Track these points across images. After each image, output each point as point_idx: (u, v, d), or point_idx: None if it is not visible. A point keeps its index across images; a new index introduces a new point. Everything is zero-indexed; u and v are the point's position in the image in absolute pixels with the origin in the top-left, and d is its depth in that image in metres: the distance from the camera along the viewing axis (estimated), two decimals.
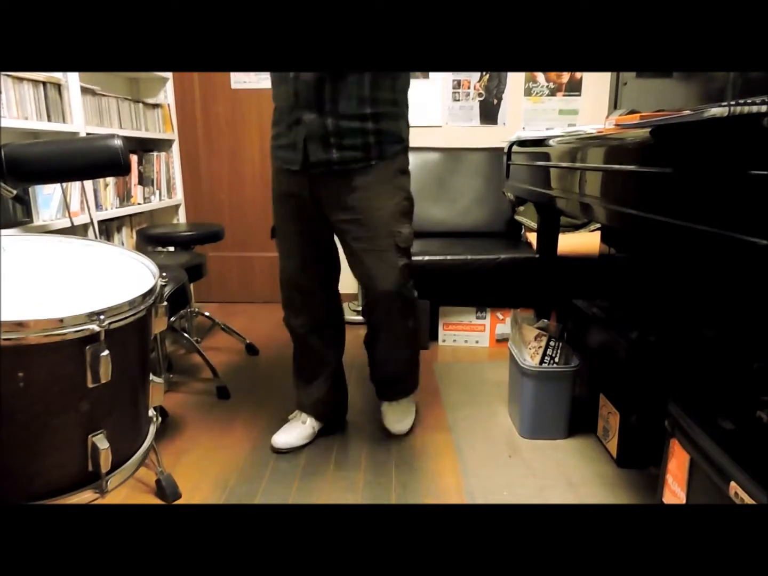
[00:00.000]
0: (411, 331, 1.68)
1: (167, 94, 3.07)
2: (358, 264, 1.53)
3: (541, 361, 1.70)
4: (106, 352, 0.90)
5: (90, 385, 0.90)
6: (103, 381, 0.91)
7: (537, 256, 2.26)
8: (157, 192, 2.98)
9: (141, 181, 2.80)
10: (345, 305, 3.12)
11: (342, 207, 1.46)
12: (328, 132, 1.39)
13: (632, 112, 1.38)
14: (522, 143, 1.94)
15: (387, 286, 1.51)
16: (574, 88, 3.06)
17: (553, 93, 3.07)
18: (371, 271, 1.50)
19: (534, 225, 2.60)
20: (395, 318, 1.60)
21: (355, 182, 1.44)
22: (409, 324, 1.65)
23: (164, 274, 1.14)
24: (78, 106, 2.17)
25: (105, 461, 0.93)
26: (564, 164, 1.45)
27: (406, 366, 1.77)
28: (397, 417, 1.79)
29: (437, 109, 3.07)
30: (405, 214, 1.52)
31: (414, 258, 2.41)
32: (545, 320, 1.87)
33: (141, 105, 2.85)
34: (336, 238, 1.61)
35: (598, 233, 2.25)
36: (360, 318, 2.89)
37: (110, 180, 2.48)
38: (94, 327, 0.88)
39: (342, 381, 1.81)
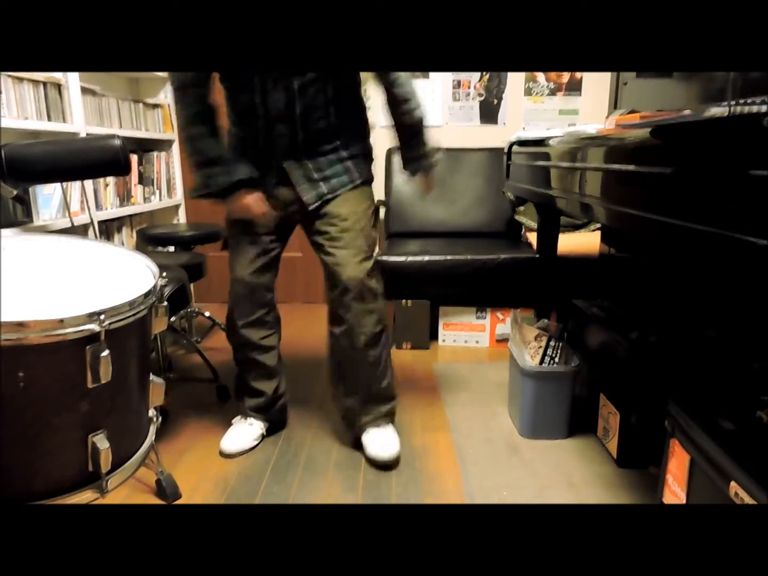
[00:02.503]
0: (380, 331, 1.57)
1: (167, 94, 3.06)
2: (330, 259, 1.54)
3: (541, 361, 1.70)
4: (106, 352, 0.90)
5: (90, 385, 0.90)
6: (103, 381, 0.91)
7: (537, 256, 2.26)
8: (157, 192, 2.98)
9: (141, 181, 2.80)
10: None
11: (321, 220, 1.54)
12: (311, 171, 1.49)
13: (632, 112, 1.38)
14: (522, 143, 1.94)
15: (355, 274, 1.52)
16: (574, 88, 3.06)
17: (553, 93, 3.07)
18: (341, 262, 1.52)
19: (534, 225, 2.60)
20: (363, 310, 1.52)
21: (337, 198, 1.53)
22: (377, 320, 1.56)
23: (164, 274, 1.14)
24: (78, 106, 2.17)
25: (105, 461, 0.93)
26: (564, 164, 1.45)
27: (378, 371, 1.59)
28: (383, 440, 1.60)
29: (437, 109, 3.07)
30: (373, 220, 1.61)
31: (414, 258, 2.44)
32: (545, 320, 1.87)
33: (141, 105, 2.85)
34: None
35: (598, 233, 2.25)
36: None
37: (110, 180, 2.48)
38: (94, 327, 0.88)
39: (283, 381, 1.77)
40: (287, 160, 1.48)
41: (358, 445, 1.66)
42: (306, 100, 1.40)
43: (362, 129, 1.58)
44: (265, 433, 1.74)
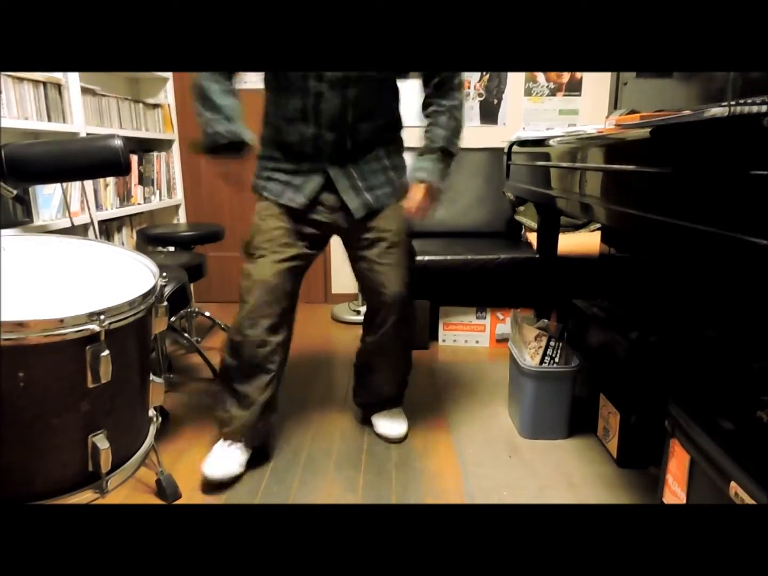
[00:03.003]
0: (408, 343, 1.74)
1: (167, 94, 3.07)
2: (374, 274, 1.56)
3: (541, 361, 1.70)
4: (106, 352, 0.90)
5: (90, 385, 0.90)
6: (103, 381, 0.91)
7: (537, 256, 2.26)
8: (157, 192, 2.98)
9: (141, 181, 2.80)
10: (345, 305, 3.14)
11: (367, 234, 1.54)
12: (356, 179, 1.48)
13: (632, 112, 1.38)
14: (522, 143, 1.94)
15: (399, 291, 1.56)
16: (574, 88, 3.06)
17: (553, 93, 3.07)
18: (387, 280, 1.55)
19: (534, 225, 2.60)
20: (399, 325, 1.61)
21: (383, 213, 1.54)
22: (408, 336, 1.71)
23: (164, 274, 1.14)
24: (78, 106, 2.17)
25: (105, 461, 0.93)
26: (564, 164, 1.45)
27: (402, 379, 1.78)
28: (392, 422, 1.77)
29: None
30: (409, 231, 1.62)
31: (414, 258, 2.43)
32: (545, 320, 1.87)
33: (141, 105, 2.85)
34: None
35: (598, 233, 2.25)
36: (358, 318, 2.89)
37: (110, 180, 2.48)
38: (94, 327, 0.88)
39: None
40: (333, 166, 1.46)
41: (366, 422, 1.82)
42: (358, 108, 1.40)
43: (400, 141, 1.60)
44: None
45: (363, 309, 2.93)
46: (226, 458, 1.51)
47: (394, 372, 1.75)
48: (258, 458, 1.60)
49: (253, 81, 3.06)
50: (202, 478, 1.48)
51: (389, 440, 1.73)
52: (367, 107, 1.42)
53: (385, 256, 1.55)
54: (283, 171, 1.50)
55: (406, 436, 1.75)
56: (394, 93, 1.52)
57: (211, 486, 1.47)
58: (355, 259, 1.61)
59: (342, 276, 3.34)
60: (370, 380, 1.77)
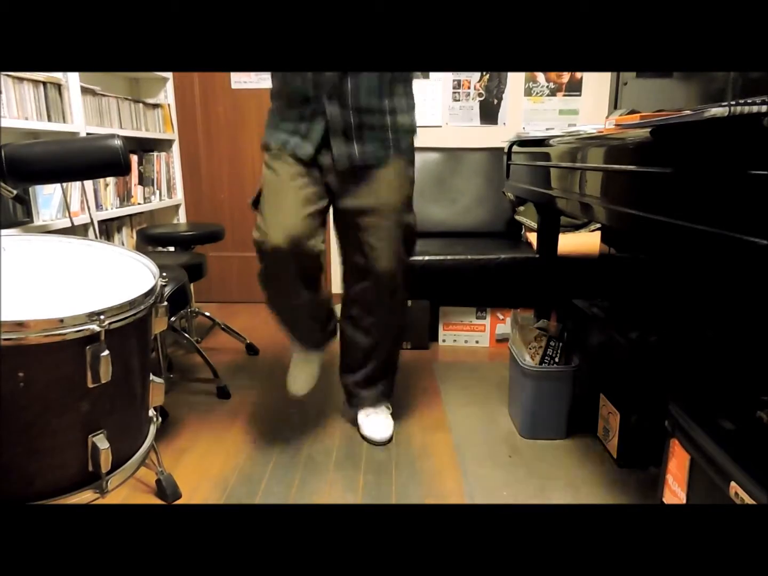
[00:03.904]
0: (397, 327, 1.68)
1: (167, 94, 3.07)
2: (361, 249, 1.51)
3: (541, 361, 1.70)
4: (106, 352, 0.90)
5: (90, 385, 0.90)
6: (103, 381, 0.91)
7: (537, 256, 2.26)
8: (157, 192, 2.98)
9: (141, 181, 2.80)
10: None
11: (354, 197, 1.48)
12: (351, 126, 1.40)
13: (632, 112, 1.38)
14: (522, 143, 1.94)
15: (388, 268, 1.51)
16: (574, 88, 3.06)
17: (553, 93, 3.07)
18: (376, 254, 1.50)
19: (534, 225, 2.60)
20: (385, 306, 1.58)
21: (373, 173, 1.46)
22: (396, 318, 1.65)
23: (164, 274, 1.14)
24: (78, 106, 2.17)
25: (105, 461, 0.93)
26: (564, 164, 1.45)
27: (387, 363, 1.73)
28: (378, 423, 1.73)
29: (437, 109, 3.07)
30: (411, 204, 1.57)
31: (414, 258, 2.43)
32: (545, 320, 1.87)
33: (141, 105, 2.85)
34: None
35: (598, 233, 2.25)
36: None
37: (110, 180, 2.48)
38: (95, 327, 0.88)
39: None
40: (332, 104, 1.39)
41: (354, 422, 1.80)
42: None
43: (407, 98, 1.51)
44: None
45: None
46: (302, 373, 1.73)
47: (380, 339, 1.65)
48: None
49: (253, 81, 3.06)
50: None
51: (374, 443, 1.69)
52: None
53: (375, 229, 1.47)
54: (289, 120, 1.45)
55: (390, 440, 1.71)
56: None
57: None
58: (340, 223, 1.55)
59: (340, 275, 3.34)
60: (353, 345, 1.70)
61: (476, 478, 1.52)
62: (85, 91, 2.25)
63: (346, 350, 1.76)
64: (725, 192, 0.78)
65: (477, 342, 2.60)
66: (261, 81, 3.05)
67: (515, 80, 3.06)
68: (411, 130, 1.53)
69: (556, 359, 1.70)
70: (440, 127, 3.10)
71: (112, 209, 2.50)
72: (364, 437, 1.73)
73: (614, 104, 1.89)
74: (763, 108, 0.73)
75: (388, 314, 1.62)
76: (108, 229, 2.55)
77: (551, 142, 1.58)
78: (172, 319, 2.15)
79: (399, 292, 1.59)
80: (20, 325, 0.82)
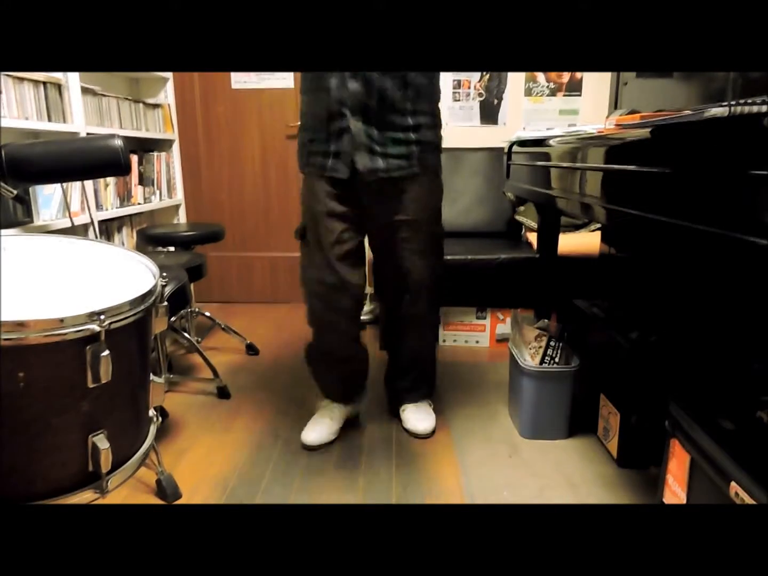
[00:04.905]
0: (434, 331, 1.82)
1: (167, 94, 3.07)
2: (396, 262, 1.61)
3: (542, 361, 1.70)
4: (106, 352, 0.90)
5: (90, 385, 0.90)
6: (103, 381, 0.91)
7: (537, 256, 2.26)
8: (158, 192, 2.98)
9: (141, 181, 2.80)
10: None
11: (388, 211, 1.55)
12: (375, 142, 1.45)
13: (632, 112, 1.38)
14: (522, 143, 1.94)
15: (422, 278, 1.62)
16: (574, 88, 3.06)
17: (553, 93, 3.07)
18: (409, 268, 1.60)
19: (534, 225, 2.60)
20: (423, 314, 1.69)
21: (401, 188, 1.53)
22: (433, 322, 1.80)
23: (164, 274, 1.14)
24: (78, 106, 2.17)
25: (105, 461, 0.93)
26: (564, 164, 1.45)
27: (430, 363, 1.83)
28: (421, 416, 1.78)
29: None
30: (440, 216, 1.69)
31: None
32: (545, 320, 1.87)
33: (141, 105, 2.85)
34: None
35: (598, 233, 2.25)
36: (364, 317, 2.89)
37: (110, 180, 2.48)
38: (95, 327, 0.88)
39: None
40: (356, 120, 1.43)
41: (394, 413, 1.85)
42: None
43: (434, 112, 1.57)
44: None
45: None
46: (322, 426, 1.73)
47: (421, 345, 1.76)
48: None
49: (253, 81, 3.06)
50: None
51: (416, 435, 1.75)
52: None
53: (407, 242, 1.57)
54: (318, 141, 1.50)
55: (433, 432, 1.76)
56: None
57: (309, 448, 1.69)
58: (374, 239, 1.63)
59: None
60: (397, 354, 1.81)
61: (476, 478, 1.52)
62: (85, 91, 2.25)
63: (392, 360, 1.86)
64: (725, 192, 0.78)
65: (477, 342, 2.60)
66: (261, 81, 3.05)
67: (515, 80, 3.06)
68: (436, 146, 1.59)
69: (556, 359, 1.70)
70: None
71: (112, 209, 2.50)
72: (407, 430, 1.77)
73: (614, 104, 1.89)
74: (763, 108, 0.73)
75: (425, 321, 1.73)
76: (108, 229, 2.55)
77: (551, 142, 1.58)
78: (172, 319, 2.15)
79: (434, 298, 1.70)
80: (20, 325, 0.82)
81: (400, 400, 1.84)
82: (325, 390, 1.80)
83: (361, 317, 2.58)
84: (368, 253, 1.68)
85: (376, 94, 1.41)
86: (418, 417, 1.78)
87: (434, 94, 1.55)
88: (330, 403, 1.77)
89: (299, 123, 1.58)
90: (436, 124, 1.58)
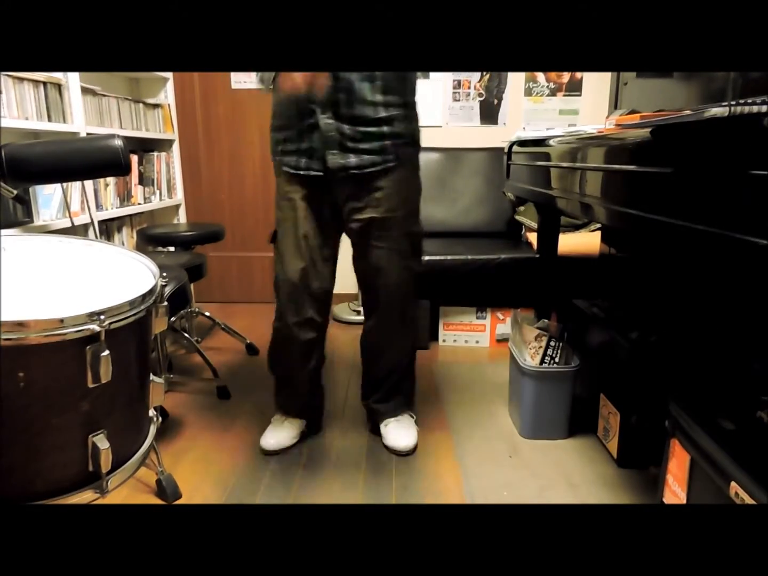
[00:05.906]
0: (411, 336, 1.69)
1: (167, 94, 3.07)
2: (369, 261, 1.53)
3: (542, 361, 1.70)
4: (106, 352, 0.90)
5: (90, 385, 0.90)
6: (103, 381, 0.91)
7: (537, 256, 2.26)
8: (158, 192, 2.98)
9: (141, 181, 2.80)
10: (345, 305, 3.14)
11: (360, 208, 1.49)
12: (346, 137, 1.40)
13: (632, 112, 1.38)
14: (522, 143, 1.94)
15: (398, 284, 1.54)
16: (574, 88, 3.06)
17: (553, 93, 3.07)
18: (382, 268, 1.52)
19: (534, 225, 2.60)
20: (396, 319, 1.60)
21: (374, 184, 1.46)
22: (409, 327, 1.66)
23: (164, 274, 1.14)
24: (78, 106, 2.17)
25: (105, 461, 0.93)
26: (564, 164, 1.45)
27: (406, 372, 1.73)
28: (402, 432, 1.68)
29: (437, 109, 3.07)
30: (417, 213, 1.58)
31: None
32: (545, 320, 1.87)
33: (141, 105, 2.85)
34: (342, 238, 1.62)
35: (598, 233, 2.25)
36: (360, 318, 2.89)
37: (110, 180, 2.48)
38: (95, 327, 0.88)
39: (320, 380, 1.77)
40: (325, 115, 1.38)
41: (375, 431, 1.75)
42: None
43: (409, 108, 1.50)
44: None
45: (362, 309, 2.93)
46: (281, 432, 1.69)
47: (393, 350, 1.66)
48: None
49: (253, 81, 3.06)
50: None
51: (397, 453, 1.64)
52: None
53: (381, 240, 1.49)
54: (289, 140, 1.46)
55: (414, 449, 1.66)
56: None
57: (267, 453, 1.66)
58: (350, 237, 1.55)
59: (342, 276, 3.34)
60: (370, 357, 1.72)
61: (476, 478, 1.52)
62: (85, 91, 2.25)
63: (366, 371, 1.77)
64: (725, 192, 0.78)
65: (477, 342, 2.60)
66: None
67: (515, 80, 3.06)
68: (411, 140, 1.51)
69: (556, 359, 1.70)
70: (440, 127, 3.10)
71: (112, 209, 2.50)
72: (387, 447, 1.67)
73: (614, 104, 1.89)
74: (763, 108, 0.73)
75: (401, 325, 1.62)
76: (108, 229, 2.55)
77: (551, 142, 1.58)
78: (172, 319, 2.15)
79: (409, 301, 1.61)
80: (20, 325, 0.82)
81: (380, 414, 1.73)
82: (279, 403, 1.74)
83: (351, 318, 2.55)
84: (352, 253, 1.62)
85: (344, 87, 1.35)
86: (399, 433, 1.67)
87: (407, 85, 1.47)
88: (281, 416, 1.72)
89: (270, 123, 1.53)
90: (411, 116, 1.49)
